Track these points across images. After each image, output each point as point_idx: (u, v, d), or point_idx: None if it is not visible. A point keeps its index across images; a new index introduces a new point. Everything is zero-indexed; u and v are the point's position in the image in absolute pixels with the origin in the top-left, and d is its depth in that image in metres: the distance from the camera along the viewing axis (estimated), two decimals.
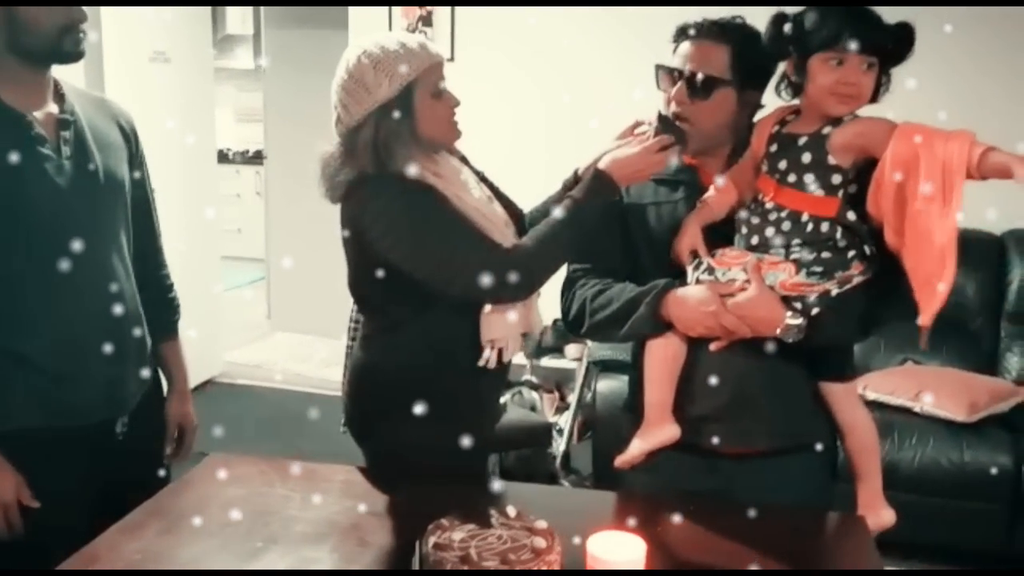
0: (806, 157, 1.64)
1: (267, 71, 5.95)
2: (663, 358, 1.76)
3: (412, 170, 1.76)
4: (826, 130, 1.64)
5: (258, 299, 6.41)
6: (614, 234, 1.88)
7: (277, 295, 6.08)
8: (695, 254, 1.76)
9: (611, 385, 3.42)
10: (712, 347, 1.73)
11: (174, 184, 4.32)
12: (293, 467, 1.82)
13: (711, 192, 1.79)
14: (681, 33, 1.82)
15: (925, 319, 1.51)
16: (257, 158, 7.35)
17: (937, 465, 3.11)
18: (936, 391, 3.24)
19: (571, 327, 1.92)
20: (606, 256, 1.89)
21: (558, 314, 1.94)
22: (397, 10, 4.46)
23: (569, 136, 4.20)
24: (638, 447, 1.76)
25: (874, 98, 1.63)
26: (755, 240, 1.70)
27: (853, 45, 1.56)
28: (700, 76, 1.76)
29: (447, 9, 4.41)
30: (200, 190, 4.86)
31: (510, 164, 4.21)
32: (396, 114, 1.75)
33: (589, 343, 3.95)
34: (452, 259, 1.73)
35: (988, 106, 3.70)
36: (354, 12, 4.54)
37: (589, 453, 3.61)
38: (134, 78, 4.19)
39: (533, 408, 3.70)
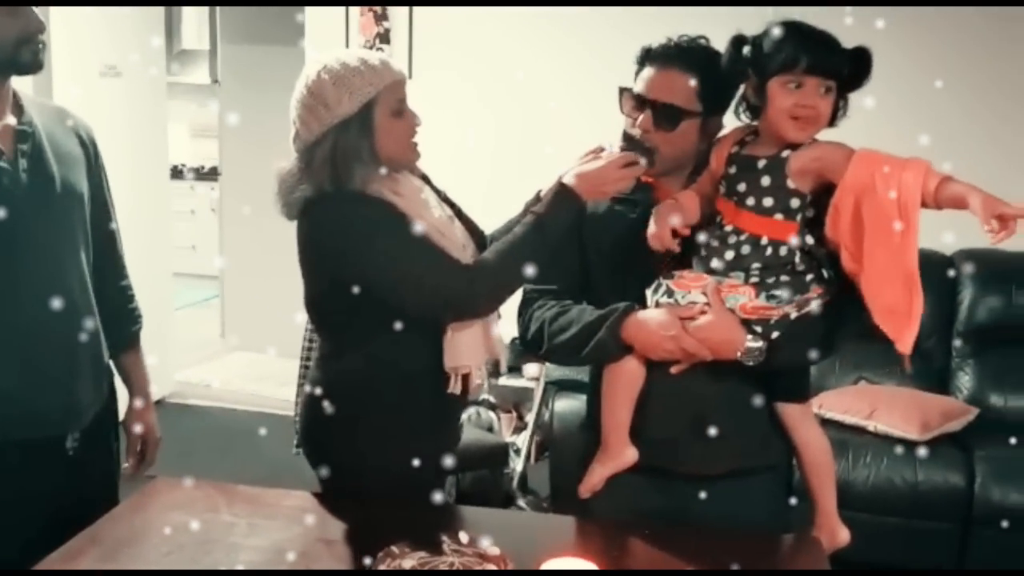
0: (765, 180, 1.64)
1: (222, 86, 5.89)
2: (622, 381, 1.74)
3: (370, 187, 1.73)
4: (785, 153, 1.64)
5: (212, 317, 6.31)
6: (570, 253, 1.86)
7: (231, 313, 6.00)
8: (666, 257, 1.73)
9: (569, 405, 3.40)
10: (672, 370, 1.72)
11: (124, 200, 4.18)
12: (241, 492, 1.77)
13: (680, 194, 1.76)
14: (646, 56, 1.80)
15: (903, 348, 1.52)
16: (212, 174, 7.25)
17: (891, 484, 3.13)
18: (889, 410, 3.26)
19: (529, 347, 1.90)
20: (562, 275, 1.87)
21: (516, 333, 1.92)
22: (354, 27, 4.43)
23: (527, 155, 4.19)
24: (598, 473, 1.75)
25: (832, 122, 1.64)
26: (714, 263, 1.69)
27: (811, 68, 1.56)
28: (667, 107, 1.74)
29: (405, 27, 4.39)
30: (152, 206, 4.77)
31: (468, 183, 4.19)
32: (355, 131, 1.73)
33: (547, 363, 3.93)
34: (412, 275, 1.70)
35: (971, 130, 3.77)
36: (310, 28, 4.51)
37: (547, 473, 3.59)
38: (84, 93, 4.10)
39: (490, 428, 3.66)
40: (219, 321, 6.09)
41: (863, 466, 3.16)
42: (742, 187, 1.67)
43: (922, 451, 3.11)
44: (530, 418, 4.04)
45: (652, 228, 1.70)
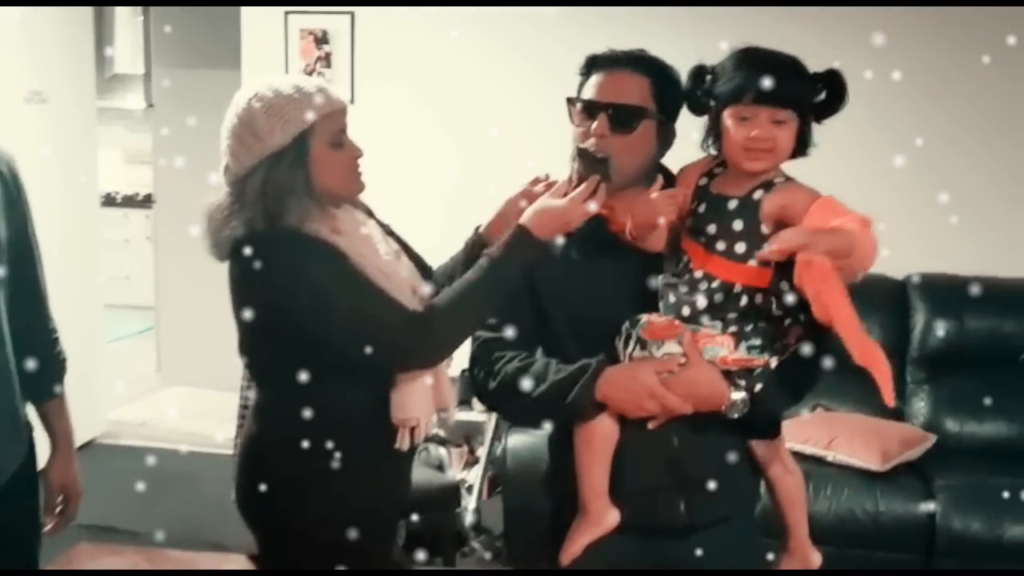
0: (737, 225, 1.56)
1: (156, 111, 5.70)
2: (596, 442, 1.63)
3: (307, 225, 1.60)
4: (757, 195, 1.56)
5: (147, 350, 6.07)
6: (524, 295, 1.72)
7: (167, 346, 5.77)
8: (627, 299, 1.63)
9: (523, 441, 3.28)
10: (650, 426, 1.61)
11: (53, 230, 4.01)
12: (171, 558, 1.62)
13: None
14: (592, 64, 1.71)
15: (887, 399, 1.46)
16: (147, 201, 7.03)
17: (852, 516, 3.07)
18: (848, 439, 3.21)
19: (490, 404, 1.78)
20: (517, 320, 1.73)
21: (466, 364, 1.78)
22: (294, 50, 4.29)
23: (478, 182, 4.09)
24: (579, 542, 1.64)
25: (801, 152, 1.56)
26: (685, 311, 1.60)
27: (759, 99, 1.50)
28: (623, 107, 1.64)
29: (346, 50, 4.26)
30: (81, 236, 4.57)
31: (416, 212, 4.08)
32: (289, 164, 1.61)
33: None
34: (353, 325, 1.57)
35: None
36: (247, 51, 4.36)
37: (500, 510, 3.46)
38: (7, 119, 3.90)
39: (440, 466, 3.53)
40: (154, 354, 5.86)
41: (824, 498, 3.10)
42: (712, 229, 1.58)
43: (883, 481, 3.06)
44: (482, 452, 3.92)
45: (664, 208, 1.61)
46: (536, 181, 1.72)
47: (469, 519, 3.50)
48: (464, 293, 1.61)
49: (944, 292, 3.60)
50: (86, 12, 4.48)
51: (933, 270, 3.70)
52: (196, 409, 5.19)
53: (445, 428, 4.00)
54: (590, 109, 1.67)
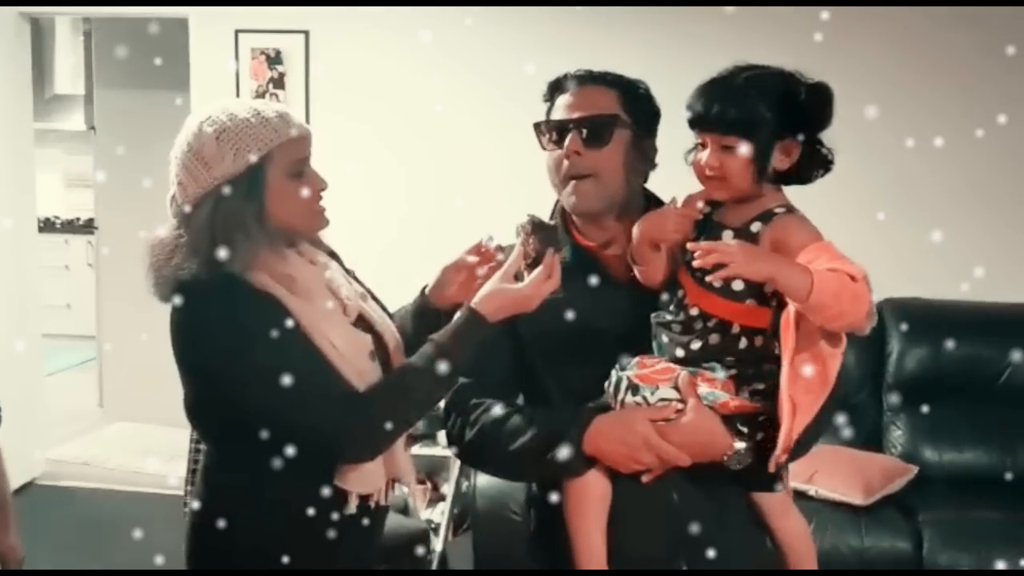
0: None
1: (98, 134, 5.46)
2: (590, 501, 1.49)
3: (254, 272, 1.45)
4: (755, 227, 1.45)
5: (88, 383, 5.79)
6: (503, 339, 1.58)
7: (111, 378, 5.50)
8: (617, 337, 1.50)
9: (492, 481, 3.12)
10: (644, 479, 1.48)
11: None
12: None
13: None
14: (556, 87, 1.62)
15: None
16: (89, 227, 6.76)
17: (837, 552, 2.97)
18: (830, 472, 3.10)
19: (466, 458, 1.65)
20: (495, 366, 1.60)
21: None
22: (245, 71, 4.11)
23: (439, 210, 3.96)
24: None
25: (793, 177, 1.46)
26: (679, 352, 1.48)
27: (701, 127, 1.44)
28: (594, 119, 1.55)
29: (301, 70, 4.09)
30: (16, 262, 4.32)
31: (371, 241, 3.95)
32: (240, 196, 1.46)
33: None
34: (282, 405, 1.41)
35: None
36: (196, 71, 4.17)
37: (466, 548, 3.30)
38: None
39: (405, 508, 3.34)
40: (96, 388, 5.58)
41: None
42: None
43: (866, 516, 2.96)
44: (447, 490, 3.75)
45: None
46: (477, 249, 1.61)
47: (436, 562, 3.33)
48: (408, 383, 1.50)
49: (920, 317, 3.52)
50: (23, 29, 4.25)
51: (907, 294, 3.63)
52: (142, 446, 4.92)
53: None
54: (560, 129, 1.58)
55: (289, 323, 1.45)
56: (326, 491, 1.51)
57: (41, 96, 7.20)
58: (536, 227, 1.51)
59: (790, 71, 1.45)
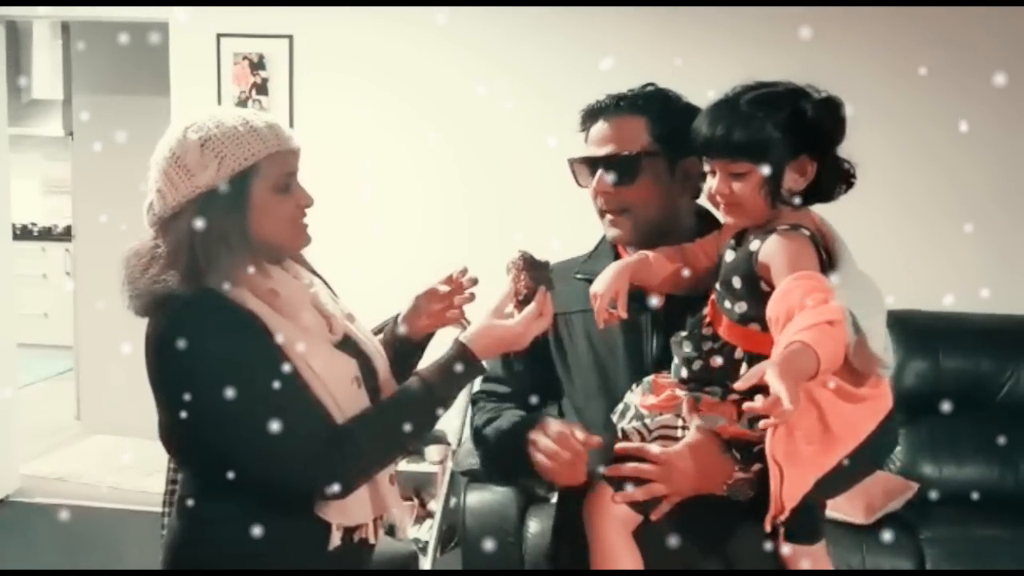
0: (736, 281, 1.38)
1: (76, 139, 5.34)
2: (614, 526, 1.42)
3: (235, 288, 1.38)
4: (754, 245, 1.37)
5: (65, 394, 5.65)
6: (527, 350, 1.54)
7: (88, 390, 5.36)
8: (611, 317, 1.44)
9: (482, 499, 3.04)
10: (652, 516, 1.40)
11: None
12: None
13: (655, 254, 1.49)
14: (587, 117, 1.57)
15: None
16: (66, 234, 6.64)
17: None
18: None
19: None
20: (513, 376, 1.62)
21: None
22: (227, 76, 4.00)
23: (421, 221, 3.87)
24: None
25: (818, 197, 1.38)
26: (684, 372, 1.43)
27: (708, 154, 1.39)
28: (618, 157, 1.50)
29: (284, 76, 3.99)
30: None
31: (355, 253, 3.85)
32: (223, 208, 1.38)
33: (452, 444, 3.57)
34: (255, 436, 1.34)
35: None
36: (176, 77, 4.05)
37: (454, 565, 3.21)
38: None
39: (391, 529, 3.24)
40: (74, 399, 5.44)
41: None
42: (720, 283, 1.42)
43: (868, 535, 2.88)
44: (435, 506, 3.65)
45: (598, 285, 1.45)
46: (449, 280, 1.58)
47: None
48: (390, 418, 1.43)
49: (917, 330, 3.45)
50: None
51: (904, 307, 3.55)
52: (120, 461, 4.79)
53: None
54: (589, 166, 1.54)
55: (269, 347, 1.37)
56: (306, 524, 1.43)
57: (18, 101, 7.07)
58: (527, 264, 1.47)
59: (797, 87, 1.38)
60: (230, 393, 1.33)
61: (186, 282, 1.36)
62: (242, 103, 3.97)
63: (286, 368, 1.37)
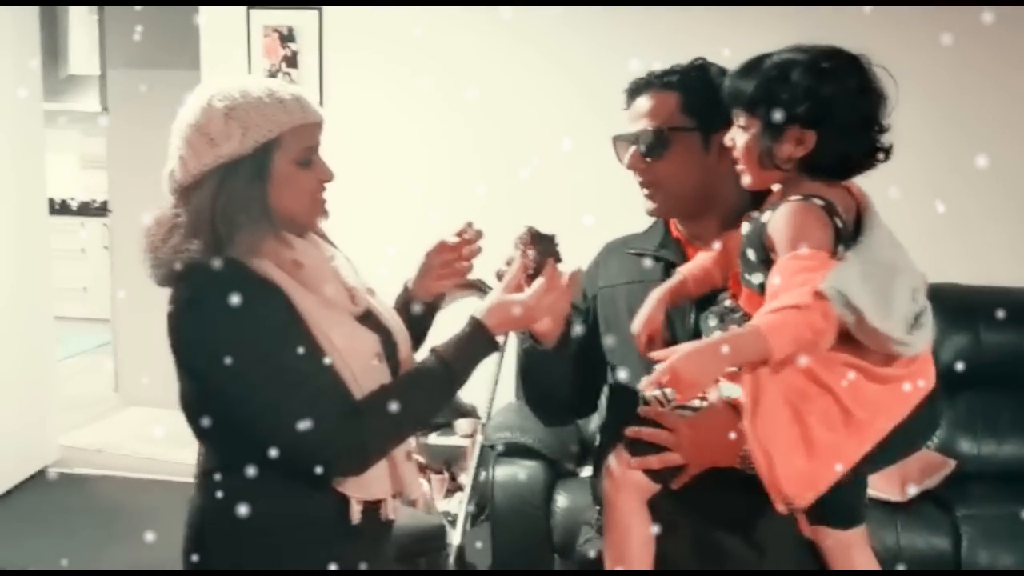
0: (750, 252, 1.36)
1: (111, 114, 5.38)
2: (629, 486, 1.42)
3: (258, 258, 1.37)
4: (765, 216, 1.34)
5: (104, 367, 5.73)
6: (574, 329, 1.59)
7: (126, 363, 5.42)
8: (652, 343, 1.43)
9: (511, 472, 3.03)
10: (673, 486, 1.39)
11: None
12: None
13: (693, 262, 1.49)
14: (629, 93, 1.58)
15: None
16: (104, 209, 6.70)
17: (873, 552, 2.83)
18: None
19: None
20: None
21: None
22: (257, 48, 3.99)
23: (453, 195, 3.83)
24: None
25: (831, 171, 1.34)
26: None
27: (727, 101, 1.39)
28: (650, 132, 1.50)
29: (314, 49, 3.97)
30: (26, 245, 4.24)
31: (386, 220, 3.84)
32: (245, 178, 1.37)
33: (482, 418, 3.56)
34: (272, 408, 1.34)
35: None
36: (206, 50, 4.05)
37: (483, 538, 3.20)
38: None
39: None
40: (112, 372, 5.52)
41: None
42: (739, 254, 1.40)
43: (903, 513, 2.83)
44: (465, 480, 3.65)
45: (635, 324, 1.46)
46: (466, 232, 1.60)
47: (453, 556, 3.23)
48: (407, 396, 1.41)
49: (957, 304, 3.37)
50: (30, 8, 4.14)
51: (943, 280, 3.47)
52: (156, 432, 4.85)
53: (424, 454, 3.74)
54: (626, 143, 1.56)
55: (290, 318, 1.37)
56: (326, 498, 1.42)
57: (56, 76, 7.13)
58: (534, 238, 1.46)
59: (829, 55, 1.32)
60: (249, 364, 1.32)
61: (207, 251, 1.35)
62: (272, 76, 3.96)
63: (306, 340, 1.36)
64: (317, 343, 1.38)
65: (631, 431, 1.43)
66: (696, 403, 1.40)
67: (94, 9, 6.77)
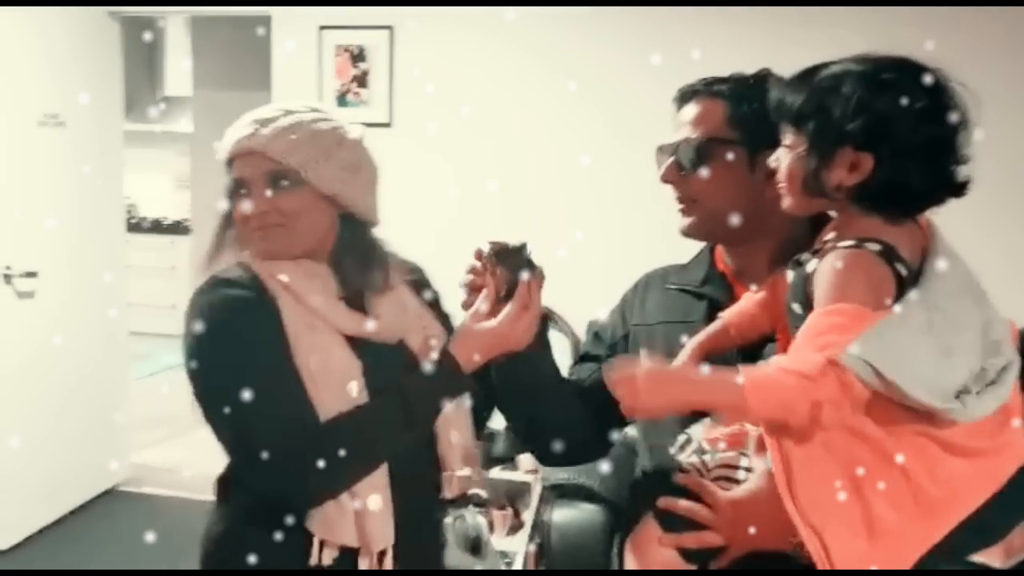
0: (796, 307, 1.17)
1: (196, 135, 5.46)
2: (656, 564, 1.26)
3: (258, 265, 1.37)
4: (811, 265, 1.15)
5: (186, 384, 5.76)
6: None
7: None
8: None
9: (568, 516, 2.85)
10: (712, 567, 1.21)
11: (68, 257, 3.87)
12: None
13: (738, 305, 1.31)
14: (678, 100, 1.45)
15: None
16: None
17: None
18: None
19: None
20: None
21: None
22: (328, 68, 3.94)
23: (525, 215, 3.70)
24: None
25: (889, 205, 1.13)
26: None
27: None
28: (686, 142, 1.36)
29: (385, 69, 3.89)
30: (103, 262, 4.26)
31: (452, 240, 3.71)
32: (225, 195, 1.43)
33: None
34: (233, 420, 1.28)
35: None
36: (278, 71, 4.03)
37: None
38: (17, 144, 3.63)
39: (477, 542, 3.09)
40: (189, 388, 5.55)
41: None
42: (786, 306, 1.22)
43: None
44: (527, 517, 3.48)
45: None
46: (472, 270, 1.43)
47: None
48: (357, 426, 1.31)
49: None
50: (111, 28, 4.20)
51: None
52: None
53: (487, 488, 3.58)
54: (665, 154, 1.43)
55: (268, 330, 1.33)
56: (291, 531, 1.31)
57: (153, 98, 7.32)
58: (500, 253, 1.30)
59: (893, 66, 1.12)
60: (219, 375, 1.31)
61: (213, 259, 1.42)
62: (342, 95, 3.90)
63: (277, 355, 1.31)
64: (291, 362, 1.32)
65: (664, 502, 1.24)
66: (741, 474, 1.21)
67: (188, 31, 6.93)
